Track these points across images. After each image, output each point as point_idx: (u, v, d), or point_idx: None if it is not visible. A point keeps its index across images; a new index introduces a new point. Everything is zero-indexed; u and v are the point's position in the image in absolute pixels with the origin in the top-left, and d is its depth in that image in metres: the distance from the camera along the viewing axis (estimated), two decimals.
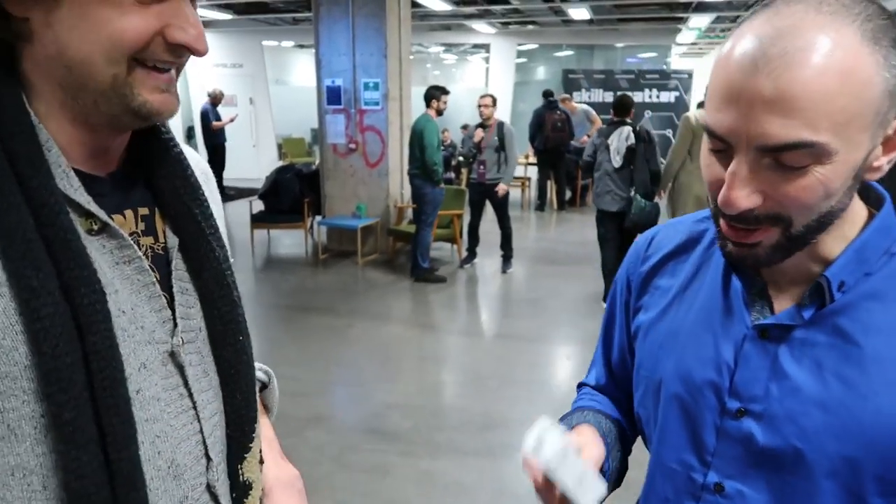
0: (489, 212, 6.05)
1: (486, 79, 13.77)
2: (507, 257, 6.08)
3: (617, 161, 4.64)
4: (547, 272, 6.13)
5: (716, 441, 0.73)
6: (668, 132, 11.59)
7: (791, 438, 0.67)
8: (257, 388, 0.87)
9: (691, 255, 0.82)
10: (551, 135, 8.34)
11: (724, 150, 0.62)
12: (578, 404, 0.96)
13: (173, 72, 0.61)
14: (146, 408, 0.62)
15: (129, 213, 0.65)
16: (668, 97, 11.58)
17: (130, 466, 0.58)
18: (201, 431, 0.68)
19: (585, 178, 9.53)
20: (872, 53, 0.56)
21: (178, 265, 0.68)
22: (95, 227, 0.60)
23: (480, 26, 12.31)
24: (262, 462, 0.79)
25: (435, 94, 5.54)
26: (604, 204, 4.76)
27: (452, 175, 9.07)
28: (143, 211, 0.67)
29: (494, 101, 5.98)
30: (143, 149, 0.68)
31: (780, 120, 0.56)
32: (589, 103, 11.52)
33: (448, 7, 9.45)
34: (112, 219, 0.62)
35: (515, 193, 9.26)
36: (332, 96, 6.37)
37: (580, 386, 1.03)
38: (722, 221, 0.67)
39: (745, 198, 0.61)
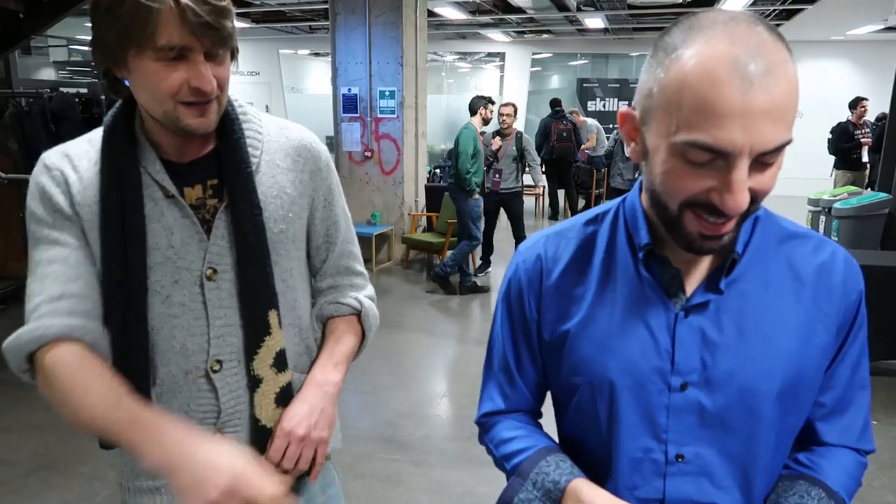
0: (503, 220, 6.05)
1: (501, 87, 13.79)
2: None
3: (627, 152, 5.31)
4: None
5: (667, 418, 0.82)
6: None
7: (733, 393, 0.79)
8: (349, 314, 1.14)
9: (593, 259, 0.87)
10: (556, 145, 8.33)
11: (708, 161, 0.68)
12: (526, 448, 0.91)
13: (213, 104, 0.92)
14: (171, 308, 0.98)
15: (198, 186, 0.99)
16: None
17: (142, 340, 0.96)
18: (208, 332, 0.99)
19: (600, 187, 9.52)
20: (794, 65, 0.68)
21: (220, 217, 0.99)
22: (169, 194, 0.96)
23: (495, 35, 12.35)
24: (282, 368, 1.04)
25: (480, 102, 5.47)
26: (615, 183, 6.56)
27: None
28: (213, 182, 1.00)
29: (516, 110, 5.99)
30: (223, 139, 1.00)
31: (773, 125, 0.65)
32: (603, 112, 11.51)
33: (463, 16, 9.49)
34: (182, 191, 0.97)
35: (529, 202, 9.25)
36: (348, 104, 6.41)
37: (483, 417, 0.99)
38: (694, 222, 0.73)
39: (746, 198, 0.68)
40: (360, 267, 1.19)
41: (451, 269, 5.57)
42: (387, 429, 3.30)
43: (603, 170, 9.44)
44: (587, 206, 9.53)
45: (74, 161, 0.96)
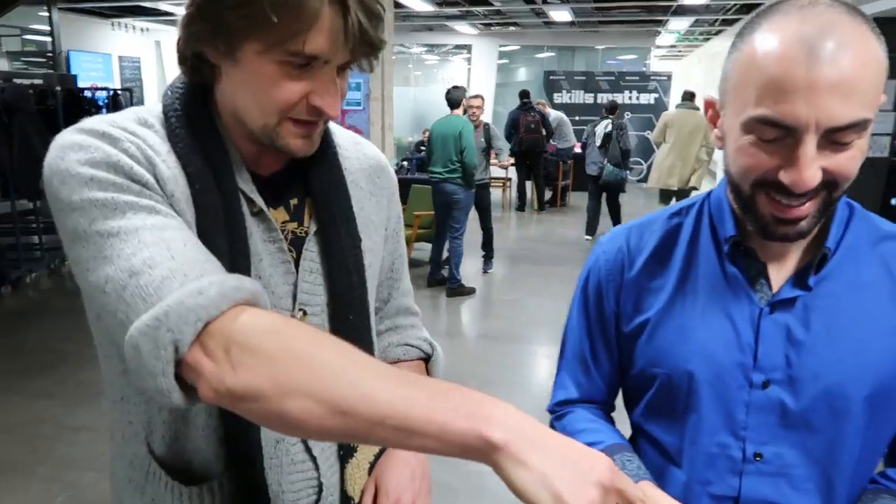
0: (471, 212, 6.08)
1: (468, 80, 13.80)
2: (487, 257, 6.10)
3: (598, 141, 7.01)
4: (527, 272, 6.17)
5: (746, 415, 0.80)
6: (648, 133, 11.72)
7: (818, 394, 0.76)
8: (418, 358, 0.99)
9: (675, 252, 0.87)
10: (525, 136, 8.36)
11: (777, 138, 0.68)
12: (596, 442, 0.89)
13: (321, 124, 0.75)
14: None
15: (281, 207, 0.81)
16: (647, 99, 11.71)
17: None
18: None
19: (566, 178, 9.61)
20: (880, 45, 0.68)
21: (309, 247, 0.82)
22: (255, 210, 0.77)
23: (462, 27, 12.35)
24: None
25: (462, 94, 5.31)
26: (590, 171, 7.20)
27: None
28: (294, 201, 0.82)
29: (483, 101, 5.99)
30: (315, 154, 0.81)
31: (841, 102, 0.64)
32: (570, 104, 11.61)
33: (430, 7, 9.46)
34: (269, 209, 0.79)
35: (497, 194, 9.29)
36: None
37: (557, 406, 0.99)
38: (767, 204, 0.73)
39: (814, 175, 0.67)
40: (416, 307, 1.05)
41: (460, 275, 5.45)
42: None
43: (569, 161, 9.55)
44: (554, 198, 9.63)
45: (149, 141, 0.72)
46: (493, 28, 12.71)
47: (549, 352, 4.32)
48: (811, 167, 0.66)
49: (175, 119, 0.74)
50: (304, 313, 0.80)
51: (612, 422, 0.99)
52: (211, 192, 0.72)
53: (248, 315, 0.59)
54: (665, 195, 6.95)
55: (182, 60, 0.73)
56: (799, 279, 0.79)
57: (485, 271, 6.08)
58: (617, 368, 0.95)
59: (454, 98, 5.31)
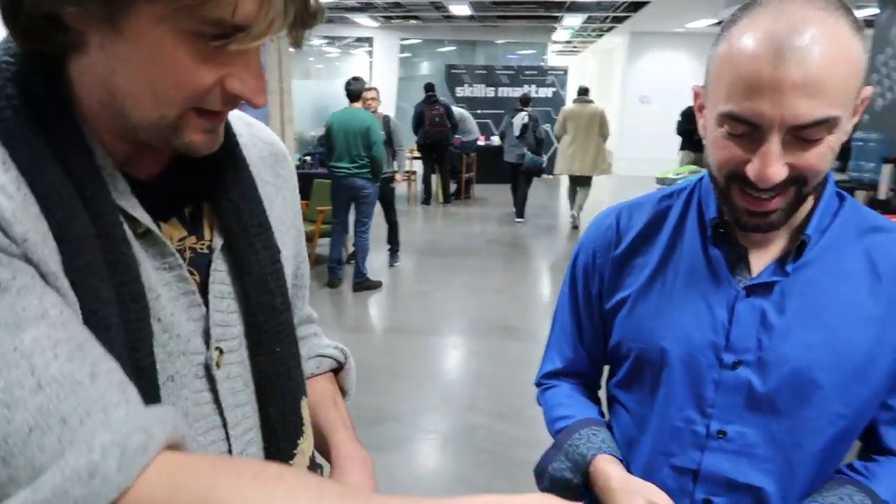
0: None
1: (370, 73, 13.67)
2: (393, 251, 6.08)
3: (517, 132, 7.73)
4: (434, 264, 6.20)
5: (714, 393, 0.82)
6: (547, 126, 12.07)
7: (786, 378, 0.78)
8: (330, 370, 0.87)
9: (661, 233, 0.89)
10: (430, 129, 8.39)
11: (746, 133, 0.70)
12: (567, 416, 0.96)
13: (225, 114, 0.59)
14: None
15: (174, 220, 0.63)
16: (546, 93, 12.04)
17: None
18: (230, 451, 0.65)
19: (470, 171, 9.73)
20: (859, 41, 0.68)
21: (217, 267, 0.65)
22: (140, 231, 0.58)
23: (362, 19, 12.20)
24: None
25: (360, 86, 5.17)
26: (509, 158, 7.95)
27: None
28: (189, 209, 0.64)
29: (379, 93, 5.92)
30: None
31: (808, 101, 0.65)
32: (472, 98, 11.75)
33: None
34: (158, 225, 0.60)
35: (401, 187, 9.28)
36: None
37: (544, 378, 1.03)
38: (738, 196, 0.75)
39: (778, 172, 0.69)
40: (315, 313, 0.93)
41: (366, 269, 5.37)
42: None
43: (472, 154, 9.67)
44: (458, 191, 9.73)
45: None
46: (393, 21, 12.64)
47: (457, 342, 4.36)
48: (775, 164, 0.68)
49: (10, 111, 0.51)
50: (221, 352, 0.64)
51: (594, 398, 1.03)
52: (77, 218, 0.51)
53: (167, 488, 0.44)
54: (573, 180, 7.71)
55: (13, 19, 0.50)
56: (779, 265, 0.80)
57: (391, 265, 6.05)
58: (603, 343, 0.97)
59: (354, 90, 5.19)
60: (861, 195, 4.52)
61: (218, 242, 0.65)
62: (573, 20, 11.14)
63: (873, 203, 4.42)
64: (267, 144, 0.76)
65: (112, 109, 0.54)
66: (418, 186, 9.64)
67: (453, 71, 12.01)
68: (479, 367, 3.96)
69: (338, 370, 0.90)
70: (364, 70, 14.48)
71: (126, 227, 0.56)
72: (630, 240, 0.90)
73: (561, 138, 7.52)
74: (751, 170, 0.70)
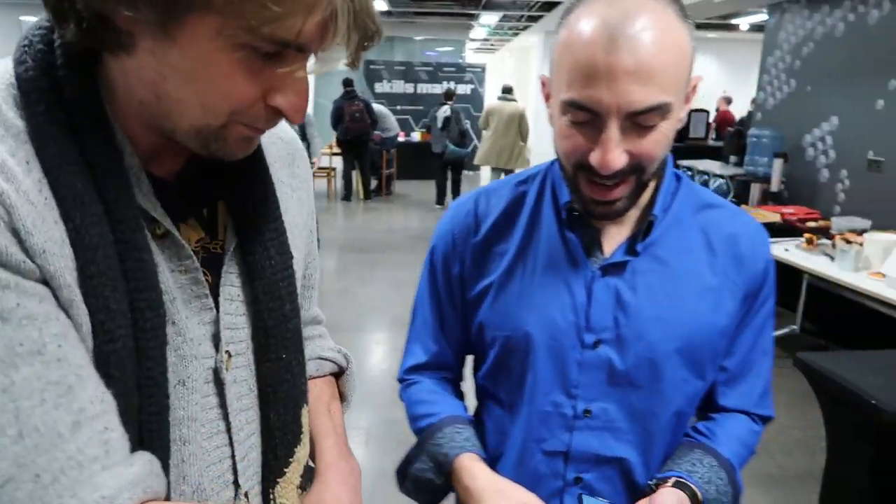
0: None
1: None
2: None
3: (440, 125, 8.20)
4: (355, 261, 6.16)
5: (578, 374, 0.83)
6: (467, 123, 12.18)
7: (641, 352, 0.82)
8: (330, 373, 0.86)
9: (519, 218, 0.89)
10: (350, 125, 8.30)
11: (588, 121, 0.71)
12: (430, 413, 0.93)
13: None
14: (177, 428, 0.58)
15: (192, 220, 0.62)
16: (464, 90, 12.16)
17: (166, 493, 0.56)
18: (233, 456, 0.64)
19: (390, 167, 9.71)
20: (685, 28, 0.71)
21: (229, 269, 0.64)
22: (160, 232, 0.58)
23: None
24: (303, 488, 0.72)
25: None
26: (434, 149, 8.34)
27: None
28: (206, 209, 0.64)
29: None
30: None
31: (641, 87, 0.67)
32: (391, 94, 11.71)
33: None
34: (177, 226, 0.59)
35: (321, 184, 9.14)
36: None
37: (407, 372, 1.00)
38: (585, 185, 0.76)
39: (618, 158, 0.71)
40: (322, 314, 0.92)
41: None
42: None
43: (392, 150, 9.65)
44: (379, 187, 9.69)
45: (8, 167, 0.48)
46: None
47: (380, 338, 4.36)
48: (615, 150, 0.70)
49: (42, 106, 0.49)
50: (229, 355, 0.63)
51: (458, 392, 1.01)
52: (95, 224, 0.50)
53: None
54: (495, 172, 8.13)
55: (61, 13, 0.48)
56: (629, 245, 0.84)
57: None
58: (465, 333, 0.96)
59: None
60: (756, 188, 4.85)
61: (231, 244, 0.64)
62: (489, 18, 11.32)
63: (767, 195, 4.77)
64: (286, 144, 0.75)
65: (154, 111, 0.53)
66: (338, 183, 9.52)
67: (372, 66, 11.92)
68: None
69: (339, 374, 0.88)
70: None
71: (146, 229, 0.55)
72: (489, 226, 0.90)
73: (483, 131, 8.00)
74: (593, 158, 0.71)
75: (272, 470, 0.67)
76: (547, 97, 0.81)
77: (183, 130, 0.53)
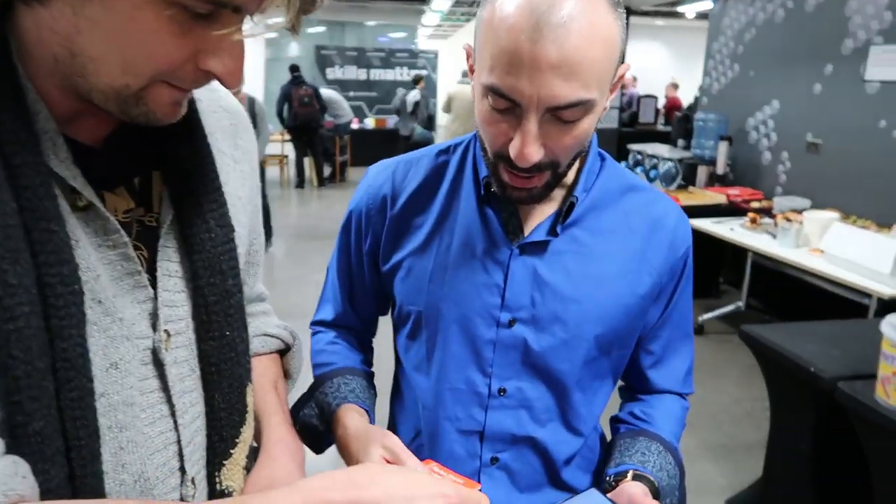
0: None
1: None
2: (266, 236, 5.90)
3: (409, 109, 8.79)
4: (310, 248, 6.09)
5: (493, 352, 0.82)
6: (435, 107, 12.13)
7: (557, 333, 0.81)
8: (276, 351, 0.84)
9: (439, 190, 0.86)
10: (299, 110, 8.11)
11: (508, 108, 0.68)
12: (327, 363, 0.95)
13: None
14: (111, 414, 0.54)
15: (121, 189, 0.57)
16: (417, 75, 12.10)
17: (95, 482, 0.52)
18: (178, 441, 0.60)
19: (344, 154, 9.61)
20: (616, 19, 0.67)
21: (166, 243, 0.59)
22: (81, 204, 0.52)
23: None
24: (248, 468, 0.69)
25: None
26: (403, 131, 8.94)
27: None
28: (139, 178, 0.59)
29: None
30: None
31: (564, 82, 0.64)
32: (343, 80, 11.56)
33: None
34: (102, 196, 0.54)
35: (273, 172, 8.98)
36: None
37: (314, 324, 1.03)
38: (504, 172, 0.74)
39: (535, 152, 0.68)
40: (266, 291, 0.90)
41: None
42: None
43: (346, 137, 9.55)
44: (333, 174, 9.58)
45: None
46: None
47: None
48: (532, 144, 0.67)
49: None
50: (168, 335, 0.59)
51: (364, 347, 1.02)
52: (3, 190, 0.46)
53: None
54: None
55: None
56: (550, 225, 0.82)
57: (265, 250, 5.87)
58: (374, 303, 0.97)
59: None
60: (703, 170, 4.99)
61: (167, 216, 0.59)
62: (441, 3, 11.25)
63: (713, 177, 4.91)
64: (229, 114, 0.71)
65: (69, 68, 0.48)
66: (291, 170, 9.37)
67: (323, 52, 11.72)
68: None
69: (284, 351, 0.87)
70: None
71: (63, 200, 0.51)
72: (406, 198, 0.87)
73: (446, 115, 8.14)
74: (511, 149, 0.69)
75: (218, 452, 0.64)
76: (471, 69, 0.77)
77: (100, 91, 0.49)
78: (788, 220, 3.34)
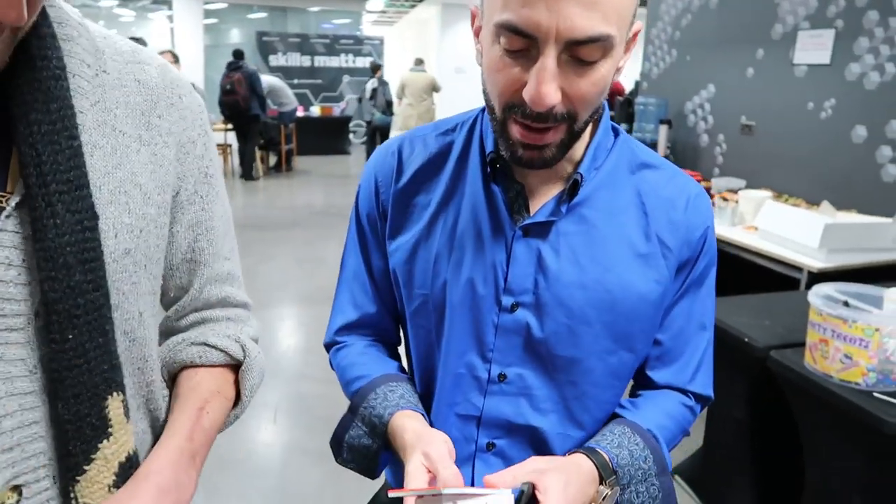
0: None
1: (172, 40, 12.58)
2: None
3: (368, 94, 9.34)
4: (257, 238, 5.97)
5: (494, 337, 0.79)
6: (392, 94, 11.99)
7: (561, 318, 0.77)
8: (223, 365, 0.73)
9: (444, 169, 0.83)
10: (222, 97, 7.79)
11: (524, 49, 0.64)
12: (362, 376, 0.86)
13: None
14: None
15: None
16: (363, 63, 11.97)
17: None
18: None
19: (290, 142, 9.43)
20: None
21: (5, 226, 0.53)
22: None
23: None
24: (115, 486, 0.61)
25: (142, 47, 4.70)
26: (364, 118, 9.61)
27: None
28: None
29: (176, 58, 5.47)
30: (19, 73, 0.51)
31: (584, 13, 0.60)
32: (286, 67, 11.32)
33: None
34: None
35: None
36: None
37: (336, 334, 0.93)
38: (514, 127, 0.69)
39: (553, 92, 0.63)
40: (242, 294, 0.78)
41: None
42: None
43: (291, 125, 9.37)
44: (279, 163, 9.40)
45: None
46: None
47: (285, 314, 4.28)
48: (550, 83, 0.63)
49: None
50: None
51: (393, 355, 0.94)
52: None
53: None
54: None
55: None
56: (555, 204, 0.77)
57: None
58: (394, 286, 0.89)
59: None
60: None
61: (15, 199, 0.54)
62: None
63: None
64: (146, 89, 0.64)
65: None
66: (234, 160, 9.15)
67: (265, 38, 11.46)
68: (307, 336, 3.92)
69: (237, 367, 0.75)
70: (165, 36, 13.30)
71: None
72: (412, 173, 0.84)
73: (400, 100, 8.87)
74: (526, 92, 0.64)
75: (69, 467, 0.58)
76: (477, 32, 0.73)
77: None
78: (725, 199, 3.46)
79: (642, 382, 0.87)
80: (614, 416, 0.84)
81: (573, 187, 0.77)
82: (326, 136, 10.76)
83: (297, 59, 11.59)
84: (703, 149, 4.65)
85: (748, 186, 3.90)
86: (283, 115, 9.07)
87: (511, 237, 0.77)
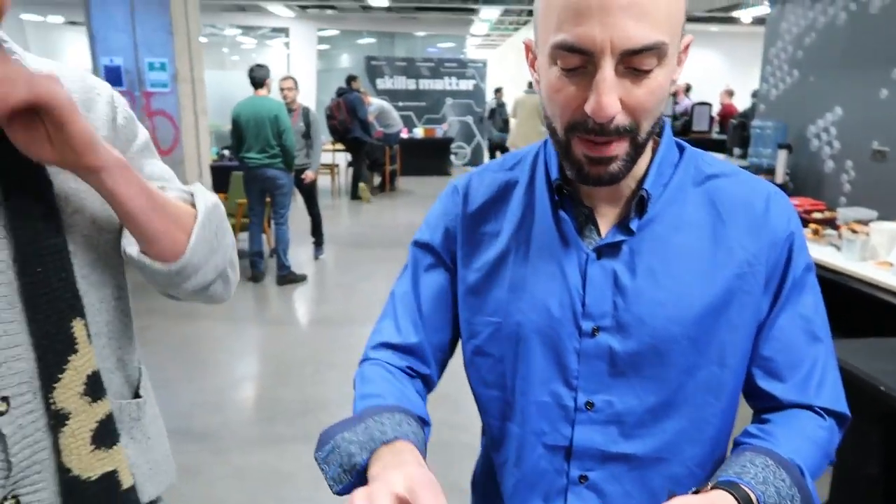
0: (299, 199, 5.91)
1: (288, 64, 13.36)
2: (318, 244, 5.99)
3: (488, 114, 10.80)
4: (359, 256, 6.16)
5: (577, 363, 0.77)
6: (469, 119, 12.16)
7: (644, 338, 0.75)
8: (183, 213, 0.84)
9: (512, 199, 0.84)
10: (327, 122, 8.27)
11: (580, 66, 0.66)
12: (380, 395, 0.79)
13: None
14: None
15: None
16: (466, 85, 12.15)
17: None
18: None
19: (394, 163, 9.70)
20: None
21: None
22: None
23: (277, 8, 11.91)
24: (95, 397, 0.76)
25: (264, 73, 5.04)
26: (487, 134, 10.81)
27: None
28: None
29: (296, 83, 5.79)
30: None
31: (636, 23, 0.62)
32: (393, 90, 11.70)
33: None
34: None
35: (325, 181, 9.14)
36: (112, 77, 5.75)
37: (374, 350, 0.90)
38: (578, 145, 0.70)
39: (614, 102, 0.65)
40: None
41: (289, 262, 5.28)
42: (179, 420, 3.08)
43: (395, 146, 9.64)
44: (383, 183, 9.68)
45: None
46: (309, 11, 12.39)
47: None
48: (610, 93, 0.64)
49: None
50: None
51: (422, 393, 0.87)
52: None
53: None
54: None
55: None
56: (623, 224, 0.77)
57: (316, 258, 5.96)
58: (447, 332, 0.88)
59: (258, 77, 5.06)
60: None
61: None
62: (490, 13, 11.29)
63: None
64: (77, 92, 0.78)
65: None
66: (342, 180, 9.52)
67: (373, 63, 11.90)
68: None
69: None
70: (282, 62, 14.13)
71: None
72: (479, 205, 0.85)
73: (512, 119, 9.58)
74: (588, 105, 0.66)
75: (47, 377, 0.73)
76: (532, 63, 0.75)
77: None
78: (854, 231, 3.19)
79: (760, 404, 0.81)
80: (745, 447, 0.75)
81: (640, 204, 0.76)
82: (429, 158, 10.99)
83: (402, 83, 11.94)
84: (827, 175, 4.33)
85: (880, 218, 3.58)
86: (388, 137, 9.36)
87: (584, 261, 0.77)
